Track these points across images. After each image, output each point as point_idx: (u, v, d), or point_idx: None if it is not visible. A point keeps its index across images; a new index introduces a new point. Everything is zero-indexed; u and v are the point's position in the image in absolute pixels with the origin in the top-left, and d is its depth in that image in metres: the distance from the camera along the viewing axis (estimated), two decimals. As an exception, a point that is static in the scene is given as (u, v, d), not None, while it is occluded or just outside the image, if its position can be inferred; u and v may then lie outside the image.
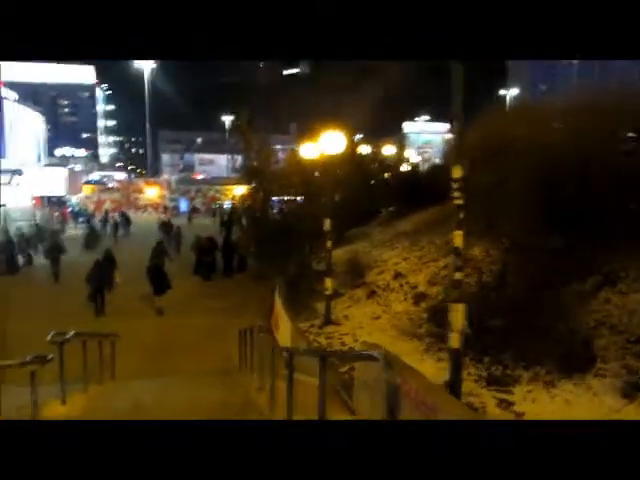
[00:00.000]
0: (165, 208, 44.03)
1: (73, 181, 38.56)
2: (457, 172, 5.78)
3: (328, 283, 9.80)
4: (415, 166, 31.16)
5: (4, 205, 22.06)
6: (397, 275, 10.88)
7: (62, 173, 33.10)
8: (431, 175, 20.23)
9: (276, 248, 12.47)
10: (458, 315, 5.77)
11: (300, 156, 13.37)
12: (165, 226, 26.01)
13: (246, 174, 15.11)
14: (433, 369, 6.56)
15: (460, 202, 5.82)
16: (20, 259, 21.21)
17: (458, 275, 5.93)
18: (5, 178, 23.30)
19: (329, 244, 9.91)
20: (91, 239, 24.32)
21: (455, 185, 5.80)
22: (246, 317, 13.65)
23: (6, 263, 20.06)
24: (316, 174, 14.29)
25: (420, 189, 18.17)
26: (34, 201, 26.66)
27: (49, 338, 6.30)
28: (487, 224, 8.34)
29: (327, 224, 9.76)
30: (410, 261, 11.51)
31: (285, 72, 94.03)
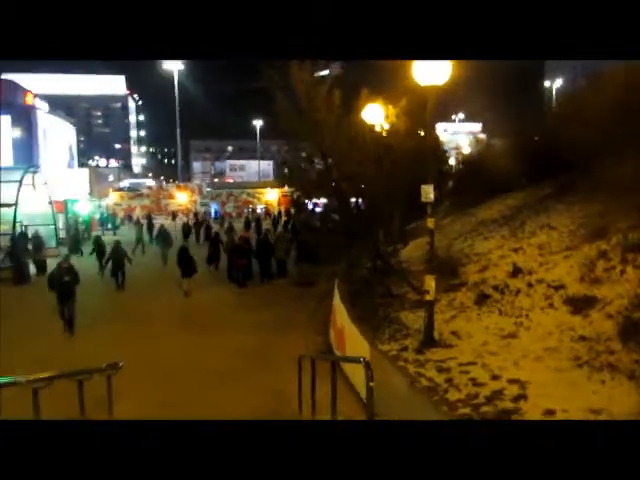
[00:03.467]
0: (196, 214, 41.57)
1: (99, 183, 36.40)
2: None
3: (430, 282, 6.48)
4: (471, 158, 27.91)
5: (14, 205, 19.38)
6: (516, 271, 7.55)
7: (84, 173, 30.60)
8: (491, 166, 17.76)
9: (334, 240, 9.25)
10: None
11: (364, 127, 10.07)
12: (194, 227, 27.46)
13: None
14: None
15: None
16: (32, 268, 18.60)
17: None
18: (26, 179, 20.90)
19: (431, 222, 6.56)
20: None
21: None
22: (294, 334, 10.66)
23: (15, 272, 17.44)
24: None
25: (485, 179, 15.96)
26: (54, 204, 24.07)
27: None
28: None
29: (428, 192, 6.35)
30: (528, 252, 8.16)
31: (317, 74, 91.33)
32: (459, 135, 73.97)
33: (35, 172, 22.33)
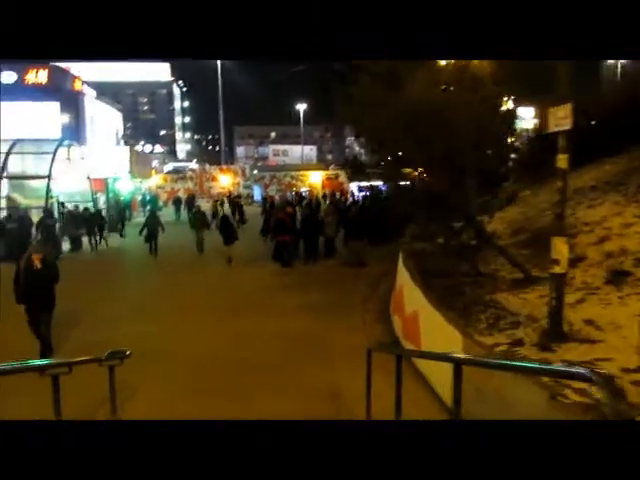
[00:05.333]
0: (239, 196, 40.27)
1: (141, 164, 35.42)
2: None
3: (561, 246, 4.41)
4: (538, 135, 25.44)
5: (49, 177, 18.24)
6: (663, 241, 5.49)
7: (124, 152, 29.30)
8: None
9: (412, 196, 7.30)
10: None
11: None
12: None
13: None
14: None
15: None
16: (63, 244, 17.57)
17: None
18: (62, 153, 20.00)
19: (564, 161, 4.47)
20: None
21: None
22: (348, 320, 8.87)
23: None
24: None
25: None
26: (92, 181, 22.86)
27: None
28: None
29: (564, 115, 4.28)
30: (668, 217, 6.08)
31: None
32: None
33: (70, 145, 21.21)
